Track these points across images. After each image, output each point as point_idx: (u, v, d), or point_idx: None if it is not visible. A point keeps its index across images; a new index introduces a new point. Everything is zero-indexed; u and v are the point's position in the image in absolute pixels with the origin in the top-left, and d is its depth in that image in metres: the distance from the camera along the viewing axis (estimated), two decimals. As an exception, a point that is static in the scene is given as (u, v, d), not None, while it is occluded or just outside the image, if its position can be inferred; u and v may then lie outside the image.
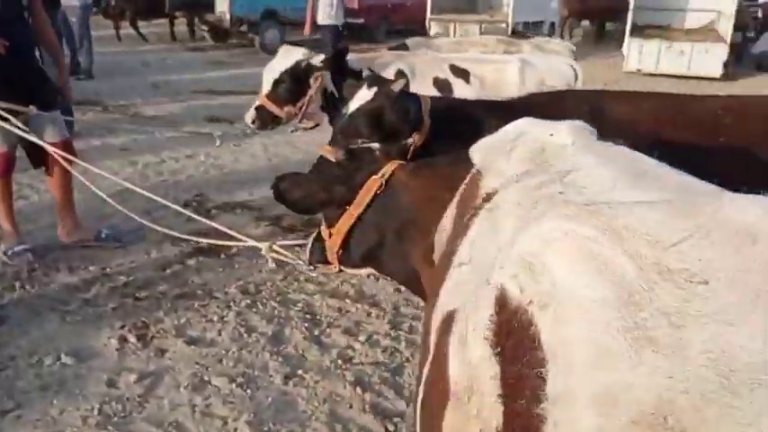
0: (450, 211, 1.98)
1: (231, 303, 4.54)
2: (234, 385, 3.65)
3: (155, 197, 4.14)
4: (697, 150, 2.48)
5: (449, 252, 1.59)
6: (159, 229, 3.94)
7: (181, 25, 18.71)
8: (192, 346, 4.01)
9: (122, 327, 4.16)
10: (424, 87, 4.67)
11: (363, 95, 2.93)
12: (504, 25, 16.55)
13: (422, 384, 1.42)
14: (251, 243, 3.18)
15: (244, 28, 17.49)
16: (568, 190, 1.24)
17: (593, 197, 1.15)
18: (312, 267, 2.82)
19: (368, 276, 4.96)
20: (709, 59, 15.29)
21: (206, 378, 3.72)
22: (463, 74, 4.69)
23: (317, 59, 4.34)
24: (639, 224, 0.98)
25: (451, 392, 1.20)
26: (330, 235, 2.57)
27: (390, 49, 6.28)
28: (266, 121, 4.54)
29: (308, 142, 8.47)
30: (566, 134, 1.65)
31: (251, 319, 4.37)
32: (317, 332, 4.24)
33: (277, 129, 9.41)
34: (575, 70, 5.10)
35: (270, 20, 17.33)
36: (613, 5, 20.73)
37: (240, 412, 3.45)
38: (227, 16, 16.74)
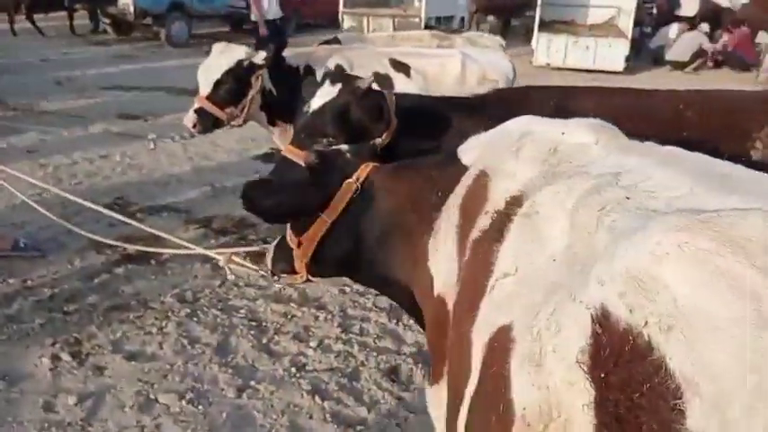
0: (449, 215, 1.88)
1: (169, 313, 4.29)
2: (184, 402, 3.44)
3: (83, 201, 3.88)
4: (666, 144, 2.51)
5: (478, 261, 1.50)
6: (96, 237, 3.69)
7: (80, 19, 17.74)
8: (133, 362, 3.75)
9: (53, 344, 3.85)
10: (363, 82, 4.57)
11: (327, 92, 2.81)
12: (417, 20, 16.64)
13: (464, 405, 1.32)
14: (207, 253, 2.99)
15: (148, 21, 16.78)
16: (636, 195, 1.17)
17: (676, 203, 1.08)
18: (276, 278, 2.66)
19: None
20: (612, 54, 15.90)
21: (152, 396, 3.48)
22: (404, 68, 4.61)
23: (259, 57, 4.14)
24: (760, 234, 0.92)
25: (517, 417, 1.11)
26: (299, 243, 2.42)
27: (322, 43, 6.12)
28: (208, 124, 4.29)
29: (229, 141, 8.21)
30: (584, 132, 1.59)
31: (192, 329, 4.14)
32: (264, 340, 4.07)
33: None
34: (512, 64, 5.12)
35: (176, 12, 16.70)
36: (518, 2, 21.23)
37: (194, 431, 3.25)
38: (131, 8, 16.01)
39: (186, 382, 3.61)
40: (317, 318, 4.35)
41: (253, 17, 10.56)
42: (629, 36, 16.15)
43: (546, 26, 16.67)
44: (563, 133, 1.63)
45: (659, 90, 2.97)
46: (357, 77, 2.91)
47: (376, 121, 2.73)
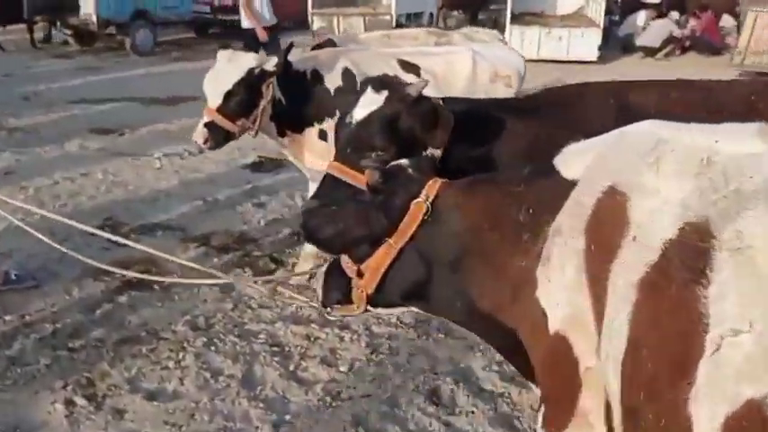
0: (564, 239, 1.65)
1: (184, 343, 3.99)
2: (218, 444, 3.17)
3: (82, 226, 3.61)
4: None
5: (665, 306, 1.27)
6: (105, 266, 3.44)
7: (41, 31, 17.10)
8: (154, 402, 3.46)
9: (65, 386, 3.53)
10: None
11: (371, 100, 2.56)
12: (388, 17, 16.38)
13: None
14: (250, 284, 2.73)
15: (112, 30, 16.23)
16: None
17: None
18: (329, 310, 2.40)
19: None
20: (585, 44, 15.84)
21: (182, 439, 3.21)
22: (414, 69, 4.36)
23: (271, 64, 3.85)
24: None
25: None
26: (359, 272, 2.17)
27: (314, 47, 5.84)
28: (219, 138, 3.98)
29: (217, 152, 7.84)
30: (746, 139, 1.38)
31: (212, 360, 3.86)
32: (291, 367, 3.80)
33: (175, 136, 8.82)
34: (523, 59, 4.92)
35: (140, 20, 16.19)
36: (485, -5, 21.17)
37: (234, 476, 2.99)
38: (94, 18, 15.43)
39: (216, 421, 3.33)
40: (341, 339, 4.10)
41: (245, 24, 10.02)
42: (601, 24, 16.12)
43: (517, 19, 16.57)
44: (716, 141, 1.42)
45: (720, 81, 2.79)
46: (405, 83, 2.67)
47: (428, 131, 2.49)
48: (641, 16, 18.46)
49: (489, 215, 1.94)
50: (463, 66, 4.44)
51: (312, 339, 4.09)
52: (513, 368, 3.83)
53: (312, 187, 4.71)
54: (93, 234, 4.23)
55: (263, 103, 3.88)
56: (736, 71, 13.93)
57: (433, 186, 2.06)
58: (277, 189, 6.83)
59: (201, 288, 4.69)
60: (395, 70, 4.39)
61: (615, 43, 18.72)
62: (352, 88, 4.18)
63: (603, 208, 1.54)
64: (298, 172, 6.36)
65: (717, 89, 2.65)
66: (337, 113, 4.14)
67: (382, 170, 2.08)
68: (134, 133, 9.01)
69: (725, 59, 15.97)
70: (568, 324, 1.62)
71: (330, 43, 5.84)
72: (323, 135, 4.16)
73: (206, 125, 3.88)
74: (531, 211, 1.85)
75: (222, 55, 3.93)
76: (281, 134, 4.15)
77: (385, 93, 2.51)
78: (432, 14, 19.64)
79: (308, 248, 4.82)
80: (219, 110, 3.84)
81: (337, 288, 2.31)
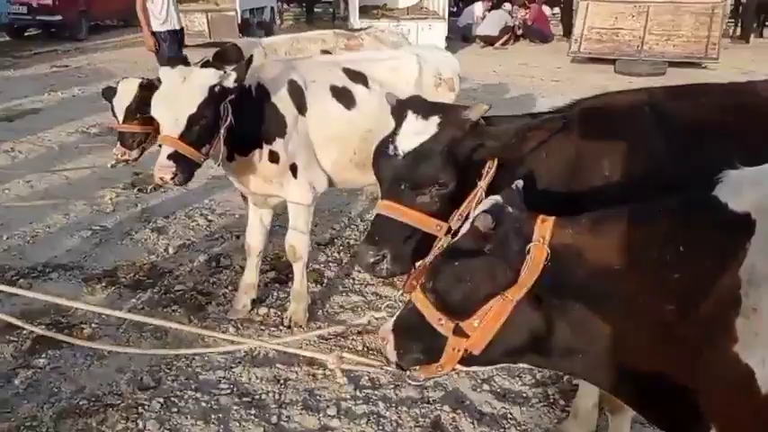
0: None
1: (138, 408, 3.44)
2: None
3: None
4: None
5: None
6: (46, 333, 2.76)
7: None
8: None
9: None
10: (322, 99, 3.96)
11: (418, 127, 2.25)
12: (232, 13, 15.67)
13: None
14: (312, 355, 2.34)
15: None
16: None
17: None
18: (407, 374, 2.08)
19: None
20: (433, 36, 16.04)
21: None
22: (361, 78, 4.05)
23: (230, 80, 3.33)
24: None
25: None
26: (457, 330, 1.87)
27: (217, 54, 5.30)
28: (189, 170, 3.36)
29: (78, 171, 6.98)
30: None
31: (179, 424, 3.36)
32: (273, 419, 3.40)
33: (25, 156, 7.77)
34: (456, 59, 4.77)
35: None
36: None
37: None
38: None
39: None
40: (314, 376, 3.74)
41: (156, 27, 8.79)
42: (446, 16, 16.51)
43: (365, 12, 16.50)
44: None
45: (750, 81, 2.78)
46: (458, 106, 2.39)
47: (487, 158, 2.24)
48: (478, 7, 19.18)
49: (622, 254, 1.75)
50: (410, 71, 4.21)
51: (282, 382, 3.70)
52: (502, 384, 3.75)
53: (253, 213, 4.27)
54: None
55: (224, 124, 3.38)
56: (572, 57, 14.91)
57: (544, 226, 1.82)
58: (172, 210, 6.20)
59: (129, 335, 4.11)
60: (343, 80, 4.06)
61: (454, 33, 19.30)
62: (299, 102, 3.80)
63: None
64: (187, 188, 5.84)
65: (750, 90, 2.61)
66: (287, 132, 3.74)
67: (492, 212, 1.80)
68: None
69: (561, 46, 16.98)
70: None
71: (234, 49, 5.36)
72: (274, 157, 3.74)
73: (171, 157, 3.30)
74: (680, 248, 1.67)
75: (169, 74, 3.34)
76: (230, 158, 3.67)
77: (435, 118, 2.22)
78: (272, 9, 19.12)
79: (248, 278, 4.38)
80: (183, 137, 3.26)
81: (418, 347, 2.00)
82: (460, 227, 2.26)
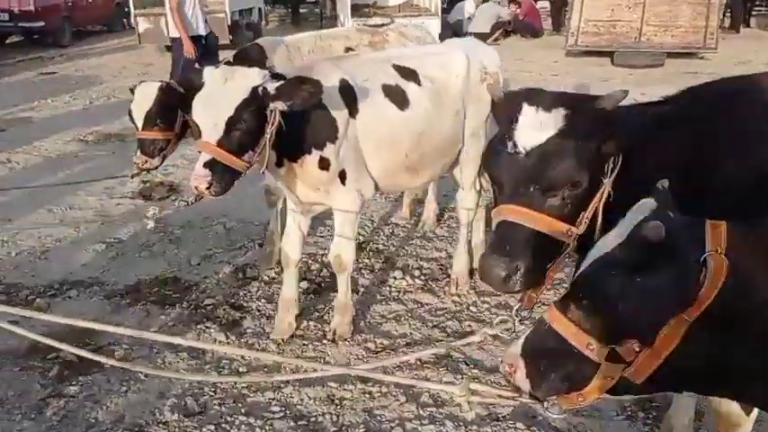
0: None
1: (186, 437, 3.17)
2: None
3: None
4: None
5: None
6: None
7: None
8: None
9: None
10: (374, 99, 3.67)
11: (540, 121, 1.99)
12: (222, 15, 15.30)
13: None
14: (439, 387, 2.07)
15: None
16: None
17: None
18: (545, 405, 1.82)
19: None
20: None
21: None
22: (413, 75, 3.79)
23: (273, 85, 3.04)
24: None
25: None
26: (613, 357, 1.62)
27: (238, 54, 5.03)
28: (227, 180, 3.08)
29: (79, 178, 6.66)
30: None
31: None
32: (336, 443, 3.14)
33: (22, 166, 7.43)
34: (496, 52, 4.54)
35: None
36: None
37: None
38: None
39: None
40: (370, 394, 3.48)
41: (173, 33, 8.74)
42: (439, 12, 16.29)
43: (356, 10, 16.23)
44: None
45: None
46: (581, 95, 2.14)
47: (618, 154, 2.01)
48: (469, 3, 18.96)
49: None
50: (459, 66, 3.96)
51: (337, 402, 3.43)
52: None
53: (292, 220, 3.97)
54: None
55: (269, 129, 3.08)
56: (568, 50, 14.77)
57: (716, 233, 1.59)
58: (187, 218, 5.90)
59: (164, 356, 3.83)
60: (395, 78, 3.79)
61: (445, 29, 19.10)
62: (351, 104, 3.53)
63: None
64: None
65: None
66: (338, 137, 3.47)
67: (662, 221, 1.55)
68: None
69: (552, 40, 16.84)
70: None
71: (257, 48, 5.09)
72: (324, 164, 3.45)
73: (208, 165, 3.01)
74: None
75: (212, 74, 3.05)
76: (279, 164, 3.39)
77: (561, 110, 1.97)
78: (260, 10, 18.83)
79: (288, 293, 4.06)
80: (222, 144, 2.97)
81: (558, 375, 1.74)
82: (588, 231, 2.03)
